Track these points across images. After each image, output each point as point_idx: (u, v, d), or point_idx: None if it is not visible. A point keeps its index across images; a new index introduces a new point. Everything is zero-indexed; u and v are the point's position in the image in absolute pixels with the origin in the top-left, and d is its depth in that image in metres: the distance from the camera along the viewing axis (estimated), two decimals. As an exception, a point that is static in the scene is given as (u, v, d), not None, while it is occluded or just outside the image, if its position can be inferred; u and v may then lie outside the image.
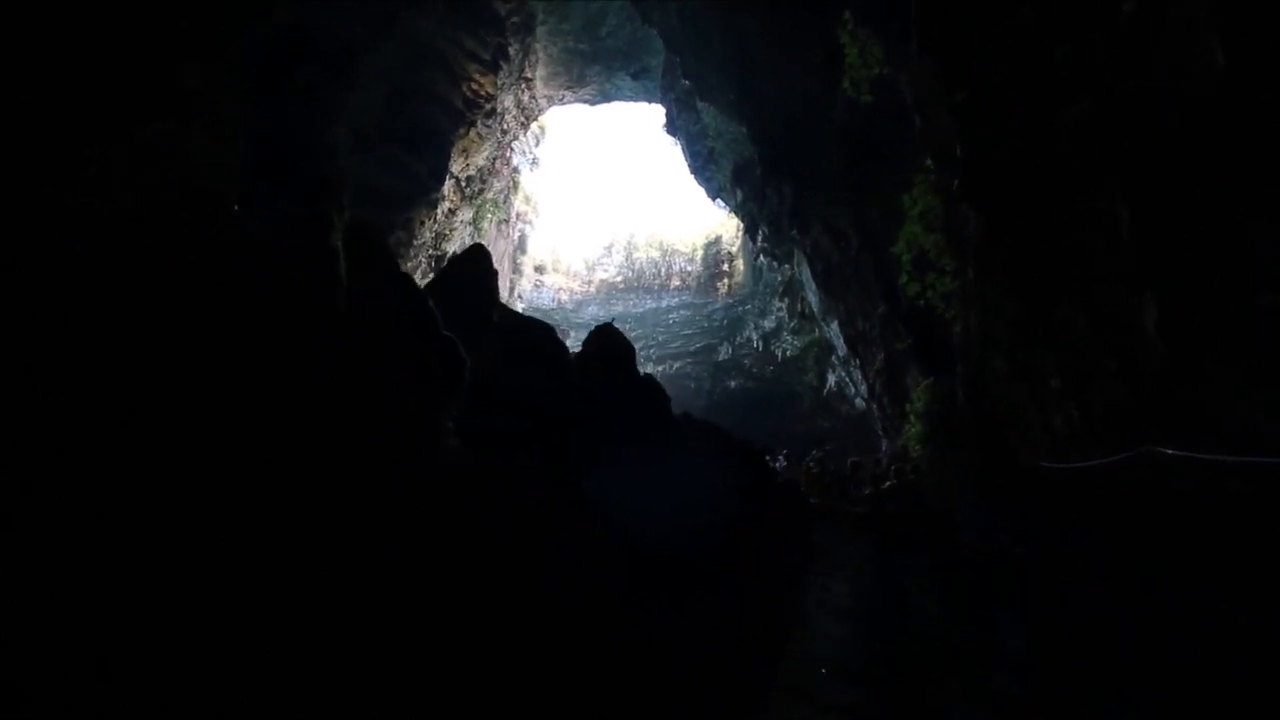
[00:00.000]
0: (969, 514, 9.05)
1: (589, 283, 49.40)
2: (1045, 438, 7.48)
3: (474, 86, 23.33)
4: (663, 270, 48.09)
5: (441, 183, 23.75)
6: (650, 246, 49.26)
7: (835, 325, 22.48)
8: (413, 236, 24.41)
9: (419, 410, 2.20)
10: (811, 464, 12.30)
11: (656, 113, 29.50)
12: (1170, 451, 4.53)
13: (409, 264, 25.00)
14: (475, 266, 3.71)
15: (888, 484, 10.16)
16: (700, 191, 31.44)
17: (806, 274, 23.80)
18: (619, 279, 49.33)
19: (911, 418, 14.28)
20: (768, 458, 11.92)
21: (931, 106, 8.74)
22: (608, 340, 4.49)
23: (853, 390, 25.63)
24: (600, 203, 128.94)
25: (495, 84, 23.86)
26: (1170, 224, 4.77)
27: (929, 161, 10.49)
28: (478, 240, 30.99)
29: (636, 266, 48.97)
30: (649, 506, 3.62)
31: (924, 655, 4.01)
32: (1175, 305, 4.80)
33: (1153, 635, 5.14)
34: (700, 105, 24.71)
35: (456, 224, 27.46)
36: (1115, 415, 5.82)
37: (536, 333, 3.80)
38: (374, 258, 2.88)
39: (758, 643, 3.45)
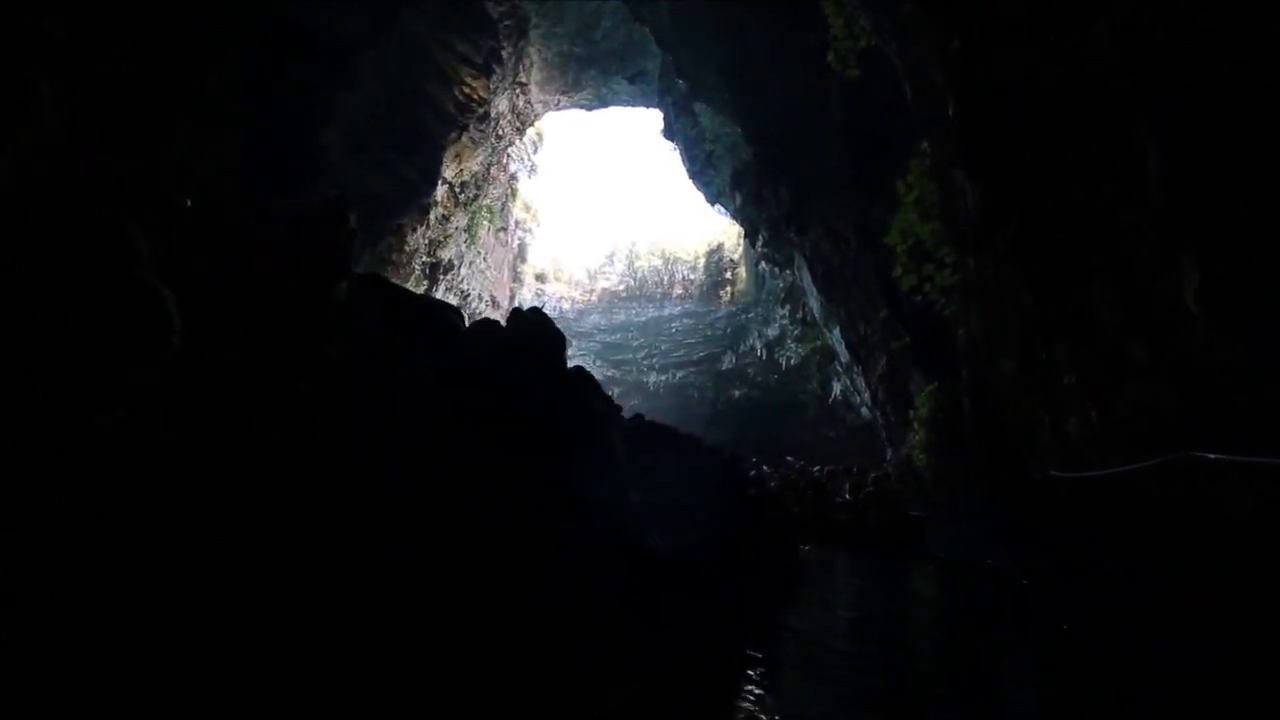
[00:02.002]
0: (968, 527, 8.29)
1: (591, 291, 48.97)
2: (1056, 444, 6.67)
3: (466, 90, 22.96)
4: (665, 278, 47.60)
5: (433, 187, 23.32)
6: (652, 254, 48.82)
7: (837, 331, 21.80)
8: (404, 242, 23.96)
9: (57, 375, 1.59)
10: (791, 472, 11.59)
11: (656, 119, 29.05)
12: (1214, 456, 3.77)
13: (401, 271, 24.59)
14: (316, 223, 3.04)
15: (866, 491, 9.53)
16: (702, 198, 30.96)
17: (807, 279, 23.18)
18: (621, 287, 48.87)
19: (915, 425, 13.53)
20: (753, 472, 11.18)
21: (924, 70, 8.01)
22: (525, 325, 3.79)
23: (857, 398, 24.89)
24: (602, 211, 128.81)
25: (488, 88, 23.49)
26: (1211, 166, 3.99)
27: (925, 144, 9.78)
28: (474, 247, 30.57)
29: (639, 275, 48.51)
30: (580, 529, 2.96)
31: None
32: (1220, 269, 4.02)
33: (1178, 670, 4.41)
34: (697, 107, 24.23)
35: (451, 230, 27.03)
36: (1143, 415, 5.00)
37: (417, 309, 3.13)
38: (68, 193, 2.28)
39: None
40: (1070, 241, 5.67)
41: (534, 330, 3.58)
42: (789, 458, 14.87)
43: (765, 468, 12.46)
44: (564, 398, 3.11)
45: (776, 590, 5.43)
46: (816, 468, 12.50)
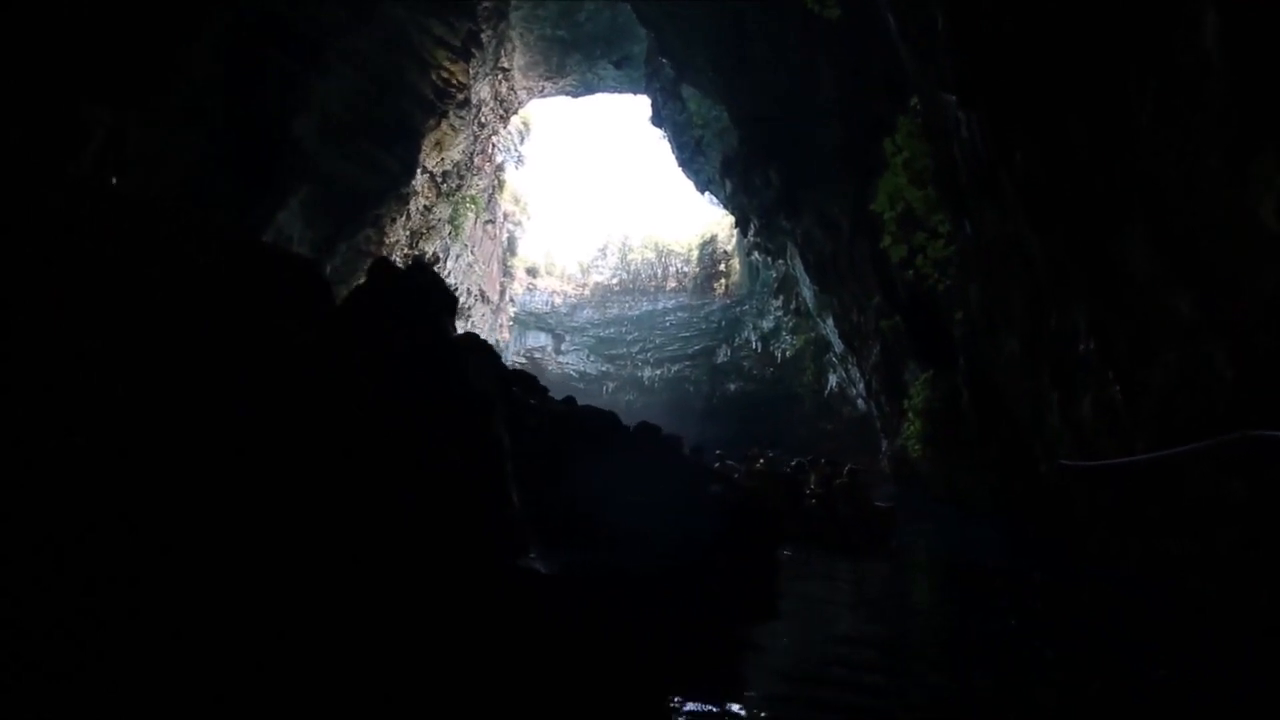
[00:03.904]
0: (966, 523, 7.58)
1: (583, 285, 48.22)
2: (1067, 430, 5.82)
3: (444, 75, 22.17)
4: (658, 271, 46.90)
5: (412, 176, 22.55)
6: (645, 248, 48.08)
7: (830, 320, 21.11)
8: (384, 234, 23.22)
9: None
10: (759, 465, 10.87)
11: (644, 106, 28.23)
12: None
13: (382, 264, 23.86)
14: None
15: (838, 483, 8.86)
16: (695, 191, 30.18)
17: (799, 267, 22.50)
18: (614, 281, 48.15)
19: (910, 415, 12.82)
20: (717, 464, 10.36)
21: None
22: (392, 281, 2.92)
23: (853, 390, 24.25)
24: (594, 203, 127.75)
25: (467, 72, 22.68)
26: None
27: (914, 100, 8.93)
28: (459, 240, 29.79)
29: (632, 268, 47.78)
30: (406, 548, 2.21)
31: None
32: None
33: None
34: (685, 92, 23.48)
35: (433, 222, 26.26)
36: (1183, 386, 4.10)
37: (219, 249, 2.33)
38: None
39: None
40: (1092, 171, 4.62)
41: (400, 289, 2.81)
42: (756, 448, 14.13)
43: (731, 461, 11.70)
44: (426, 371, 2.37)
45: (733, 624, 4.24)
46: (797, 459, 11.79)
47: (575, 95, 29.03)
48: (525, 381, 4.18)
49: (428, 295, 2.88)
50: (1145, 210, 4.06)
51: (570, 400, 4.84)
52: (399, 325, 2.52)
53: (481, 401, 2.61)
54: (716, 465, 9.97)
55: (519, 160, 33.96)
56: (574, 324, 45.58)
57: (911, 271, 10.40)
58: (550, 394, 4.59)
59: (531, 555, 2.54)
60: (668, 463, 4.50)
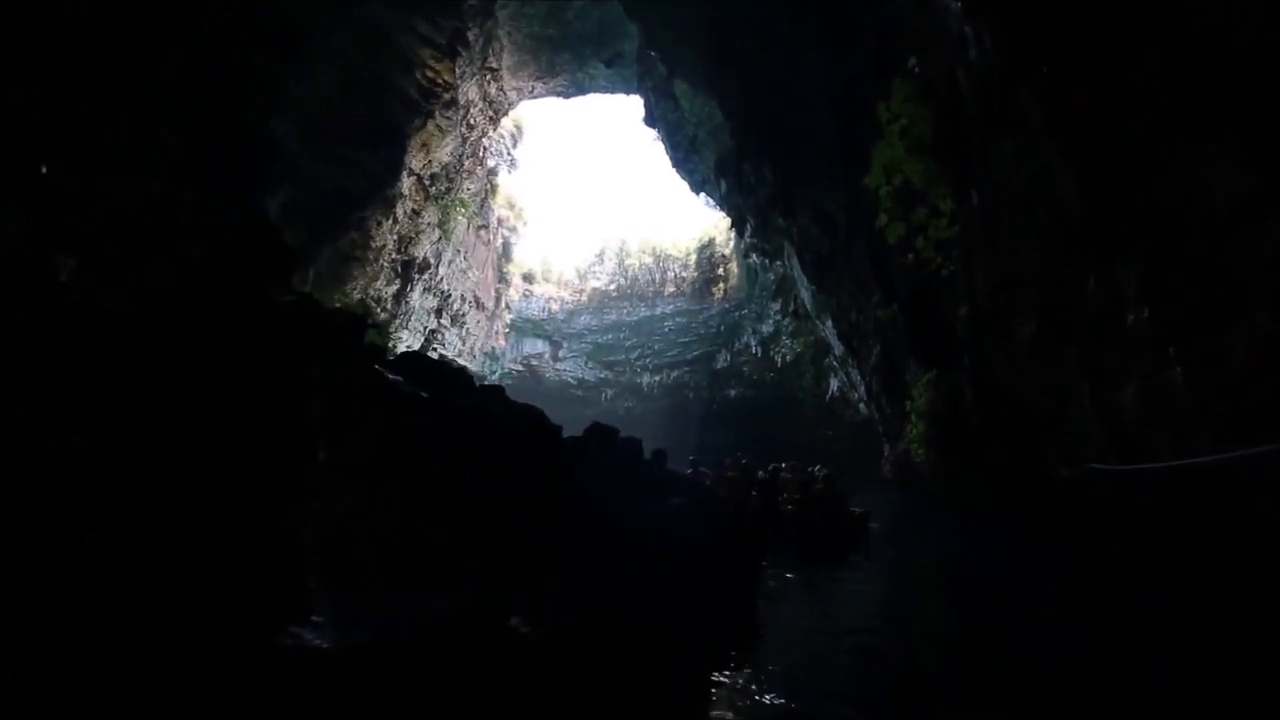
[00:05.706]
0: (971, 531, 6.86)
1: (580, 291, 47.71)
2: (1101, 426, 4.89)
3: (430, 74, 21.65)
4: (656, 276, 46.36)
5: (398, 178, 22.00)
6: (643, 252, 47.59)
7: (829, 322, 20.41)
8: (370, 238, 22.64)
9: None
10: (730, 470, 10.16)
11: (637, 107, 27.66)
12: None
13: (369, 269, 23.32)
14: None
15: (816, 489, 8.29)
16: (690, 192, 29.58)
17: (797, 268, 21.86)
18: (612, 287, 47.62)
19: (912, 417, 12.09)
20: (689, 471, 9.68)
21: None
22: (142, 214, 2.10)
23: (855, 394, 23.55)
24: (590, 207, 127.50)
25: (454, 72, 22.16)
26: None
27: (912, 62, 8.11)
28: (450, 245, 29.21)
29: (629, 273, 47.27)
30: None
31: None
32: None
33: None
34: (677, 89, 22.93)
35: (423, 226, 25.67)
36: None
37: None
38: None
39: None
40: (1154, 66, 3.43)
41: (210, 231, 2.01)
42: (738, 453, 13.49)
43: (703, 468, 10.97)
44: (198, 351, 1.66)
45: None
46: (773, 464, 11.15)
47: (567, 96, 28.48)
48: (414, 367, 3.33)
49: (226, 247, 2.12)
50: (1235, 118, 3.04)
51: (486, 392, 3.95)
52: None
53: (281, 395, 1.87)
54: (689, 472, 9.33)
55: (512, 164, 33.48)
56: (571, 330, 45.03)
57: (911, 255, 9.60)
58: (490, 388, 3.72)
59: (316, 618, 1.77)
60: (620, 472, 3.76)
